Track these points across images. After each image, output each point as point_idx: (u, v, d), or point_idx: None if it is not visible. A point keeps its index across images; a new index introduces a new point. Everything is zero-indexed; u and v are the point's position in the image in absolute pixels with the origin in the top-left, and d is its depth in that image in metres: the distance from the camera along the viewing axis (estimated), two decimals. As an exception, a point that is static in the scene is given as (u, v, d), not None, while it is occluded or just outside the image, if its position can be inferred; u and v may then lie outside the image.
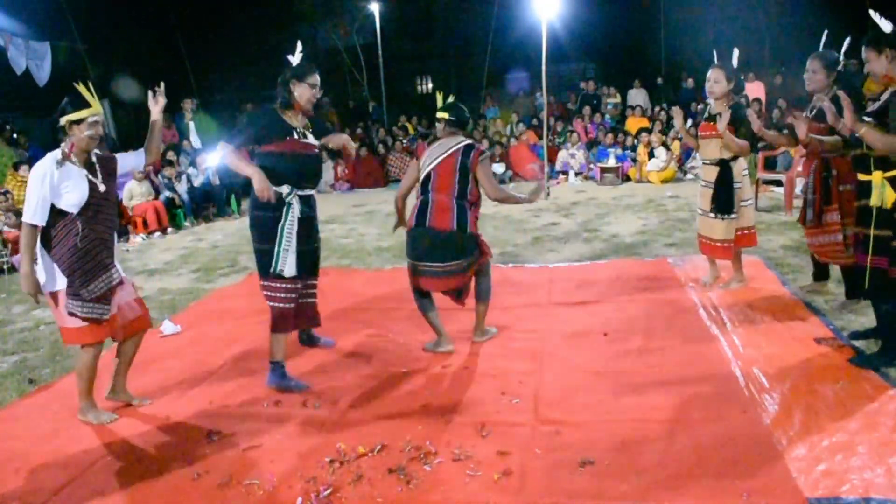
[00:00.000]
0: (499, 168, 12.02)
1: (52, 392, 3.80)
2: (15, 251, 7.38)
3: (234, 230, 9.06)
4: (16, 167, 9.41)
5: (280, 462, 2.84)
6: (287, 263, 3.46)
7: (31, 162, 9.73)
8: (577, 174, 11.59)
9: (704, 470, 2.57)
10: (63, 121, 3.18)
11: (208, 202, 10.36)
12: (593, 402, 3.20)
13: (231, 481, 2.72)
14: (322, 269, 6.32)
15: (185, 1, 15.42)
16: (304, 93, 3.52)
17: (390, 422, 3.14)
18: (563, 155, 11.81)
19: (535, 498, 2.49)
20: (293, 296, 3.58)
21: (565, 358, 3.76)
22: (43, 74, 10.82)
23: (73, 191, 3.14)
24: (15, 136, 11.77)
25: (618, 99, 14.07)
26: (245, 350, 4.23)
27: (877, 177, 3.25)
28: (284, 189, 3.45)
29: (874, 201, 3.28)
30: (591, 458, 2.70)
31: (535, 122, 13.11)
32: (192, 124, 11.88)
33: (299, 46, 3.61)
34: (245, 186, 11.64)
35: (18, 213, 7.91)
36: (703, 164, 4.67)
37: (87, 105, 3.20)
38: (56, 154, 3.18)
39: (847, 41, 3.94)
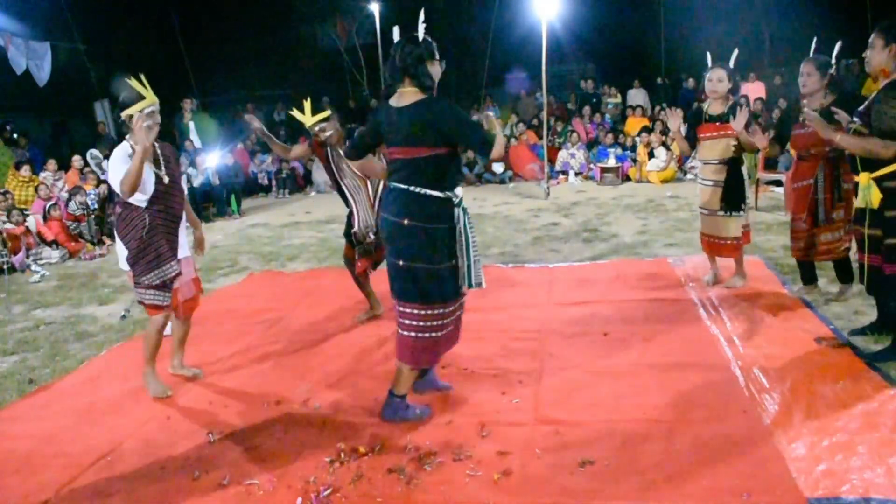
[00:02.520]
0: (498, 168, 12.02)
1: (52, 392, 3.80)
2: (15, 251, 7.38)
3: (234, 230, 9.06)
4: (17, 167, 9.42)
5: (280, 462, 2.84)
6: (481, 275, 3.03)
7: (31, 162, 9.74)
8: (577, 174, 11.59)
9: (704, 470, 2.56)
10: (124, 115, 3.29)
11: (208, 202, 10.37)
12: (593, 402, 3.20)
13: (231, 481, 2.72)
14: (322, 269, 6.34)
15: (185, 1, 15.41)
16: (438, 73, 2.95)
17: (390, 422, 3.14)
18: (563, 155, 11.81)
19: (535, 498, 2.49)
20: (452, 318, 3.08)
21: (565, 358, 3.76)
22: (43, 74, 10.84)
23: (140, 183, 3.26)
24: (15, 136, 11.78)
25: (618, 99, 14.06)
26: (245, 350, 4.23)
27: (863, 178, 3.27)
28: (459, 192, 2.94)
29: (860, 202, 3.31)
30: (591, 458, 2.70)
31: (535, 122, 13.11)
32: (192, 124, 11.89)
33: (422, 16, 2.92)
34: (245, 187, 11.72)
35: (12, 212, 7.89)
36: (706, 164, 4.69)
37: (142, 97, 3.31)
38: (126, 147, 3.30)
39: (838, 44, 3.96)
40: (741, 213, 4.55)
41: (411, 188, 2.88)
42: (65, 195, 8.80)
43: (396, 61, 2.88)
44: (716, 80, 4.50)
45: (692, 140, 4.75)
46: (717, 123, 4.51)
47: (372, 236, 4.35)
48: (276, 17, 17.91)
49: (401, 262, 2.93)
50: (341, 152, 4.30)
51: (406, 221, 2.89)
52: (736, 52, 4.57)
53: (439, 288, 2.93)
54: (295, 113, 4.35)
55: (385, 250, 3.13)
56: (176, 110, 11.89)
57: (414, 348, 3.00)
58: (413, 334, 2.98)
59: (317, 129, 4.27)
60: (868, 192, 3.25)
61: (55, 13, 11.73)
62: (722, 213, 4.58)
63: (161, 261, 3.41)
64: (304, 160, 12.96)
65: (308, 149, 4.53)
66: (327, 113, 4.24)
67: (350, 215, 4.43)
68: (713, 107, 4.58)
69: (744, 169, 4.57)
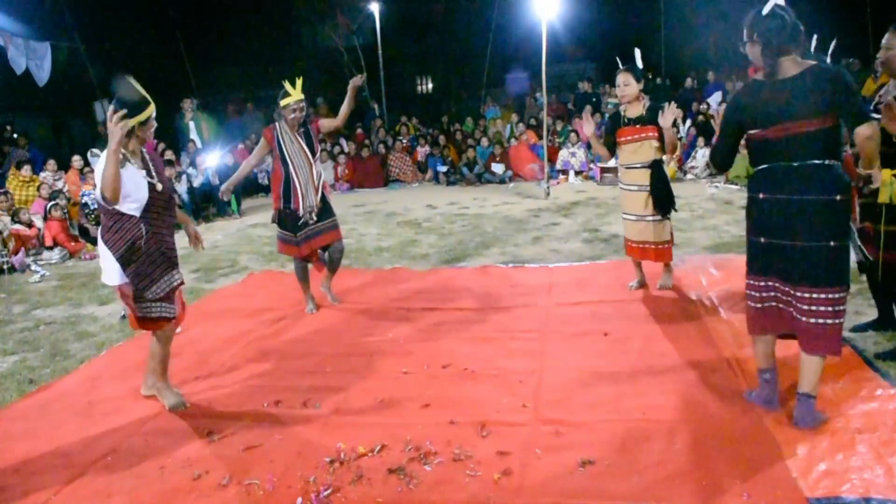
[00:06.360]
0: (498, 168, 12.03)
1: (52, 392, 3.80)
2: (15, 251, 7.38)
3: (234, 230, 9.05)
4: (17, 167, 9.43)
5: (280, 462, 2.84)
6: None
7: (31, 162, 9.75)
8: (577, 174, 11.59)
9: (704, 470, 2.56)
10: (133, 123, 3.09)
11: (208, 202, 10.37)
12: (593, 402, 3.20)
13: (231, 481, 2.72)
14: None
15: (185, 1, 15.42)
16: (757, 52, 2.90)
17: (390, 422, 3.14)
18: (563, 155, 11.81)
19: (535, 498, 2.49)
20: None
21: (565, 358, 3.76)
22: (43, 74, 10.83)
23: (134, 192, 3.12)
24: (15, 136, 11.78)
25: (618, 99, 14.08)
26: (245, 350, 4.23)
27: (886, 174, 3.27)
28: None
29: (883, 198, 3.30)
30: (591, 458, 2.69)
31: (534, 122, 13.12)
32: (192, 124, 11.89)
33: None
34: (245, 187, 11.71)
35: (15, 214, 7.89)
36: (629, 168, 4.60)
37: (147, 102, 3.15)
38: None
39: (833, 43, 3.91)
40: (668, 216, 4.53)
41: (826, 162, 2.69)
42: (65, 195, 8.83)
43: (773, 36, 2.77)
44: (622, 84, 4.48)
45: (611, 146, 4.71)
46: (637, 126, 4.48)
47: (314, 217, 4.67)
48: (275, 16, 17.94)
49: (832, 244, 2.70)
50: (293, 136, 4.61)
51: (838, 197, 2.68)
52: (638, 51, 4.52)
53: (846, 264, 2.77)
54: (286, 85, 4.52)
55: (787, 237, 2.79)
56: (176, 110, 11.90)
57: (837, 336, 2.79)
58: (840, 321, 2.77)
59: (301, 104, 4.56)
60: (891, 189, 3.27)
61: (55, 13, 11.73)
62: (651, 217, 4.52)
63: (166, 268, 3.30)
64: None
65: (264, 143, 4.70)
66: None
67: (280, 210, 4.69)
68: (630, 110, 4.55)
69: (666, 170, 4.54)
